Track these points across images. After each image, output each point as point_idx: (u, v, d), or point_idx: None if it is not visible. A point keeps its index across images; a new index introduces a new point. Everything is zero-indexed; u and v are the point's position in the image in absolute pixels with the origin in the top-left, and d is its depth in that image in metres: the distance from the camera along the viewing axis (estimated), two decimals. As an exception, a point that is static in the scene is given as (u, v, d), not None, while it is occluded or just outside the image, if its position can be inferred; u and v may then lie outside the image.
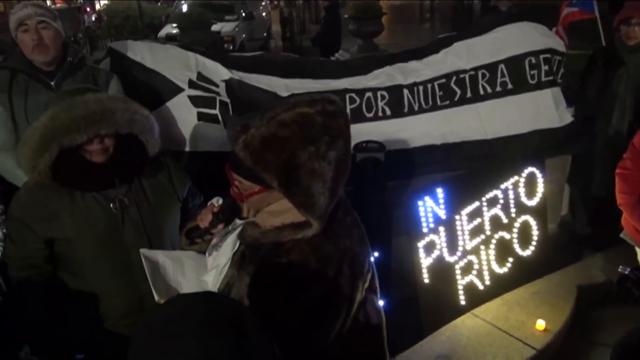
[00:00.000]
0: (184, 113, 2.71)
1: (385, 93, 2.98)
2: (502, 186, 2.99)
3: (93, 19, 18.39)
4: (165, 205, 1.94)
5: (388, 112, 2.98)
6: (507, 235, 3.06)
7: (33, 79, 2.34)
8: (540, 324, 2.87)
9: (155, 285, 1.38)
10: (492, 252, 3.02)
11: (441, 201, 2.79)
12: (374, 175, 2.71)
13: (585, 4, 3.92)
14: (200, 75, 2.83)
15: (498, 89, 3.08)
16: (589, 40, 3.80)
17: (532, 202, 3.09)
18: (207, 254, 1.47)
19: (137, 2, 14.63)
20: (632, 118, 3.21)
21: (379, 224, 2.63)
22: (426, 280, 2.83)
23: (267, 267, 1.28)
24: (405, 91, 3.00)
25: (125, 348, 1.76)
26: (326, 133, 1.24)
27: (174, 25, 10.17)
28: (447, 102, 3.03)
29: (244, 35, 12.83)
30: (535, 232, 3.14)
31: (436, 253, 2.83)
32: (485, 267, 3.02)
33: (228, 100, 2.80)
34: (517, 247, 3.11)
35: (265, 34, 15.11)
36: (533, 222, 3.12)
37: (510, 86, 3.07)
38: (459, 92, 3.04)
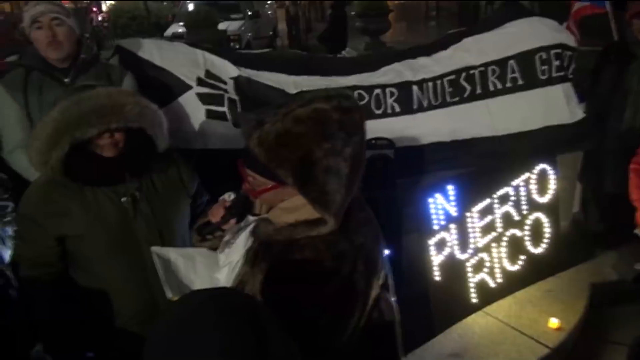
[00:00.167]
0: (192, 110, 2.70)
1: (394, 90, 2.96)
2: (514, 183, 2.96)
3: (100, 18, 18.46)
4: (175, 200, 1.93)
5: (397, 109, 2.96)
6: (518, 233, 3.03)
7: (47, 76, 2.33)
8: (554, 322, 2.84)
9: (167, 282, 1.37)
10: (503, 249, 2.99)
11: (452, 198, 2.76)
12: (383, 173, 2.68)
13: (596, -1, 3.87)
14: (208, 73, 2.81)
15: (508, 85, 3.04)
16: (601, 35, 3.75)
17: (544, 199, 3.06)
18: (219, 250, 1.45)
19: (144, 2, 14.65)
20: (644, 113, 3.18)
21: (389, 222, 2.60)
22: (437, 278, 2.81)
23: (280, 264, 1.26)
24: (415, 88, 2.98)
25: (137, 346, 1.75)
26: (342, 129, 1.22)
27: (181, 24, 10.18)
28: (457, 99, 3.00)
29: (250, 34, 12.83)
30: (547, 230, 3.10)
31: (447, 250, 2.80)
32: (496, 265, 2.99)
33: (236, 98, 2.79)
34: (528, 244, 3.08)
35: (271, 33, 15.11)
36: (545, 220, 3.08)
37: (520, 82, 3.04)
38: (468, 88, 3.01)
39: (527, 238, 3.08)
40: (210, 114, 2.73)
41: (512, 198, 2.97)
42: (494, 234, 2.95)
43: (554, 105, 3.05)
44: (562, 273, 3.27)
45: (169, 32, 11.97)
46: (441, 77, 2.99)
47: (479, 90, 3.02)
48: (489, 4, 12.83)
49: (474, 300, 2.95)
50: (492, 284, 2.99)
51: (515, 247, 3.05)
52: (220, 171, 2.16)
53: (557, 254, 3.19)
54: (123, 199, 1.79)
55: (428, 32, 14.85)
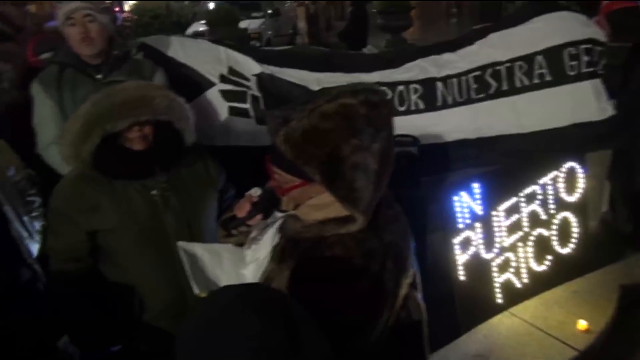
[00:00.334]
0: (215, 107, 2.71)
1: (418, 86, 2.93)
2: (541, 181, 2.89)
3: (122, 17, 18.70)
4: (203, 194, 1.94)
5: (421, 106, 2.92)
6: (545, 232, 2.96)
7: (80, 73, 2.37)
8: (582, 324, 2.77)
9: (194, 278, 1.36)
10: (530, 249, 2.93)
11: (477, 196, 2.71)
12: (407, 170, 2.65)
13: (627, -8, 3.75)
14: (231, 70, 2.82)
15: (535, 81, 2.97)
16: (631, 30, 3.64)
17: (572, 198, 2.99)
18: (245, 247, 1.44)
19: (165, 1, 14.83)
20: (676, 111, 3.07)
21: (413, 219, 2.57)
22: (462, 278, 2.76)
23: (309, 262, 1.24)
24: (439, 84, 2.94)
25: (165, 340, 1.76)
26: (370, 124, 1.19)
27: (202, 22, 10.26)
28: (482, 95, 2.95)
29: (270, 32, 12.89)
30: (574, 229, 3.03)
31: (472, 250, 2.75)
32: (523, 265, 2.93)
33: (259, 95, 2.79)
34: (556, 244, 3.01)
35: (291, 31, 15.15)
36: (573, 219, 3.01)
37: (548, 78, 2.96)
38: (494, 84, 2.95)
39: (554, 238, 3.01)
40: (232, 111, 2.74)
41: (539, 197, 2.90)
42: (520, 233, 2.89)
43: (582, 102, 2.97)
44: (590, 274, 3.19)
45: (190, 30, 12.09)
46: (466, 73, 2.94)
47: (505, 87, 2.96)
48: (509, 1, 12.62)
49: (500, 301, 2.90)
50: (518, 284, 2.94)
51: (542, 247, 2.98)
52: (242, 168, 2.16)
53: (585, 255, 3.11)
54: (152, 192, 1.81)
55: (449, 30, 14.69)
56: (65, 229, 1.80)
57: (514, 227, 2.86)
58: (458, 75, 2.93)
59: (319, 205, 1.27)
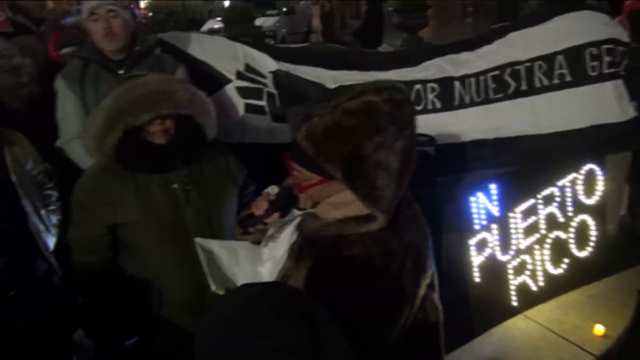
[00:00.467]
0: (231, 104, 2.71)
1: (435, 85, 2.90)
2: (559, 183, 2.85)
3: (137, 14, 18.82)
4: (224, 189, 1.94)
5: (438, 105, 2.89)
6: (563, 235, 2.92)
7: (103, 68, 2.39)
8: (599, 329, 2.73)
9: (211, 274, 1.36)
10: (546, 252, 2.89)
11: (494, 197, 2.68)
12: (423, 170, 2.62)
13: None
14: (247, 67, 2.82)
15: (555, 81, 2.93)
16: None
17: (591, 201, 2.94)
18: (262, 244, 1.43)
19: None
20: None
21: (428, 220, 2.55)
22: (477, 279, 2.73)
23: (327, 261, 1.23)
24: (456, 83, 2.90)
25: (182, 335, 1.76)
26: (393, 123, 1.18)
27: (218, 19, 10.30)
28: (501, 95, 2.91)
29: (284, 30, 12.90)
30: (593, 233, 2.99)
31: (488, 251, 2.73)
32: (539, 268, 2.89)
33: (275, 92, 2.79)
34: (573, 247, 2.97)
35: (305, 29, 15.16)
36: (591, 222, 2.97)
37: (568, 78, 2.92)
38: (513, 84, 2.91)
39: (571, 241, 2.97)
40: (248, 108, 2.74)
41: (557, 199, 2.86)
42: (537, 235, 2.85)
43: (603, 103, 2.92)
44: (607, 278, 3.14)
45: (205, 28, 12.13)
46: (484, 72, 2.91)
47: (524, 87, 2.92)
48: (524, 0, 12.48)
49: (515, 304, 2.87)
50: (533, 287, 2.90)
51: (559, 250, 2.94)
52: (258, 165, 2.16)
53: (602, 259, 3.06)
54: (173, 186, 1.81)
55: (464, 29, 14.57)
56: (86, 222, 1.82)
57: (530, 229, 2.82)
58: (476, 75, 2.90)
59: (339, 204, 1.25)
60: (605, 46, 2.91)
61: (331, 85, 2.84)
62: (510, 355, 2.67)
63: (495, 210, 2.70)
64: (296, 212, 1.35)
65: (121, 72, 2.39)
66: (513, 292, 2.85)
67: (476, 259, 2.71)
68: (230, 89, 2.72)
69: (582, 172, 2.89)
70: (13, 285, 1.96)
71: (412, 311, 1.27)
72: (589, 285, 3.08)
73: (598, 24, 2.96)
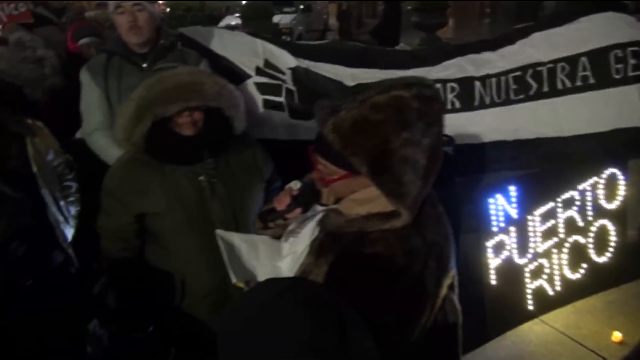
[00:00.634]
0: (250, 100, 2.70)
1: (455, 85, 2.87)
2: (580, 187, 2.80)
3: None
4: (250, 183, 1.94)
5: (457, 105, 2.86)
6: (582, 240, 2.87)
7: (127, 61, 2.40)
8: (617, 336, 2.69)
9: (231, 267, 1.36)
10: (564, 256, 2.85)
11: (513, 200, 2.65)
12: (442, 170, 2.60)
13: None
14: (267, 63, 2.81)
15: (578, 83, 2.88)
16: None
17: (612, 206, 2.89)
18: (282, 239, 1.42)
19: (199, -5, 14.99)
20: None
21: (446, 220, 2.54)
22: (493, 282, 2.70)
23: (349, 257, 1.21)
24: (477, 83, 2.87)
25: (202, 326, 1.76)
26: (421, 119, 1.16)
27: (237, 15, 10.33)
28: (522, 96, 2.87)
29: (301, 27, 12.91)
30: (612, 238, 2.94)
31: (505, 254, 2.69)
32: (556, 272, 2.85)
33: (294, 88, 2.78)
34: (592, 252, 2.92)
35: (322, 27, 15.15)
36: (611, 227, 2.92)
37: (592, 81, 2.87)
38: (534, 86, 2.87)
39: (590, 246, 2.92)
40: (267, 104, 2.73)
41: (577, 203, 2.82)
42: (555, 239, 2.81)
43: (627, 107, 2.87)
44: (626, 285, 3.09)
45: (222, 24, 12.19)
46: (506, 73, 2.87)
47: (545, 88, 2.88)
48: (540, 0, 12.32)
49: (531, 307, 2.83)
50: (550, 292, 2.86)
51: (577, 255, 2.90)
52: (276, 161, 2.16)
53: (621, 264, 3.01)
54: (200, 178, 1.82)
55: (482, 30, 14.44)
56: (115, 210, 1.86)
57: (549, 233, 2.78)
58: (497, 75, 2.87)
59: (363, 200, 1.24)
60: (630, 48, 2.86)
61: (350, 82, 2.82)
62: (526, 360, 2.64)
63: (514, 213, 2.66)
64: (319, 208, 1.34)
65: (145, 65, 2.40)
66: (529, 296, 2.81)
67: (493, 262, 2.68)
68: (250, 85, 2.71)
69: (604, 176, 2.84)
70: (31, 275, 1.98)
71: (434, 312, 1.26)
72: (607, 291, 3.03)
73: (623, 26, 2.91)
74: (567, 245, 2.85)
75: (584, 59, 2.86)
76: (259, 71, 2.77)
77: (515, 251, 2.71)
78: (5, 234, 1.86)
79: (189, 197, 1.81)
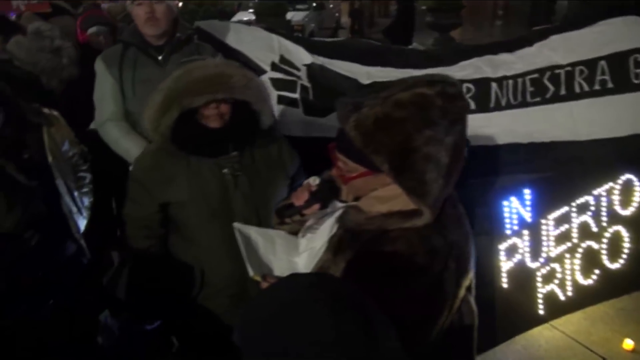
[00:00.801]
0: (265, 95, 2.69)
1: (471, 86, 2.84)
2: (595, 192, 2.77)
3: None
4: (274, 179, 1.93)
5: (472, 106, 2.84)
6: (595, 245, 2.84)
7: (142, 53, 2.40)
8: (629, 344, 2.66)
9: (248, 260, 1.35)
10: (577, 261, 2.82)
11: (528, 203, 2.62)
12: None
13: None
14: (282, 58, 2.80)
15: (596, 87, 2.85)
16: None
17: (627, 212, 2.85)
18: (299, 235, 1.41)
19: (211, -10, 14.99)
20: None
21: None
22: (504, 285, 2.68)
23: (368, 255, 1.20)
24: (494, 85, 2.84)
25: (216, 318, 1.76)
26: (445, 117, 1.15)
27: (251, 10, 10.34)
28: (538, 99, 2.84)
29: (313, 25, 12.89)
30: (626, 245, 2.90)
31: (518, 257, 2.67)
32: (568, 277, 2.82)
33: (309, 85, 2.77)
34: (605, 258, 2.88)
35: (334, 25, 15.13)
36: (625, 234, 2.88)
37: (610, 85, 2.83)
38: (552, 88, 2.84)
39: (603, 252, 2.88)
40: (281, 100, 2.72)
41: (592, 208, 2.78)
42: (568, 244, 2.78)
43: (646, 112, 2.84)
44: (637, 292, 3.05)
45: (235, 19, 12.18)
46: (523, 75, 2.84)
47: (563, 92, 2.84)
48: (552, 1, 12.23)
49: (541, 312, 2.80)
50: (561, 297, 2.83)
51: (590, 260, 2.86)
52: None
53: (634, 271, 2.97)
54: (224, 171, 1.82)
55: (493, 32, 14.36)
56: (141, 198, 1.87)
57: (562, 238, 2.75)
58: (514, 77, 2.84)
59: (385, 197, 1.23)
60: (650, 53, 2.82)
61: (365, 81, 2.81)
62: (535, 365, 2.62)
63: (528, 216, 2.64)
64: (338, 204, 1.33)
65: (160, 58, 2.40)
66: (540, 300, 2.78)
67: (505, 265, 2.66)
68: (265, 80, 2.70)
69: (619, 182, 2.81)
70: (44, 265, 1.99)
71: (452, 312, 1.25)
72: (619, 298, 2.99)
73: (645, 30, 2.87)
74: (580, 250, 2.81)
75: (602, 62, 2.83)
76: (274, 67, 2.76)
77: (527, 255, 2.69)
78: (19, 223, 1.87)
79: (212, 189, 1.81)
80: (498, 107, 2.84)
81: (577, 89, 2.85)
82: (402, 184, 1.17)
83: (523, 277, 2.72)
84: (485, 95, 2.82)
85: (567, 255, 2.80)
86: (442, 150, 1.15)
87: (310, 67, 2.79)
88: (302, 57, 2.81)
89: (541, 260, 2.73)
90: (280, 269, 1.36)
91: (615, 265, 2.92)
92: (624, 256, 2.92)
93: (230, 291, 1.87)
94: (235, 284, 1.85)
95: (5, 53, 2.63)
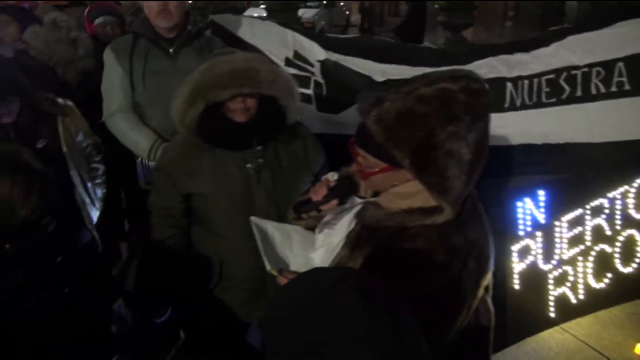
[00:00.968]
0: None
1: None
2: (610, 195, 2.74)
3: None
4: (297, 175, 1.92)
5: (487, 106, 2.82)
6: (608, 249, 2.81)
7: (153, 45, 2.39)
8: (641, 349, 2.63)
9: (265, 254, 1.34)
10: (590, 264, 2.79)
11: (542, 204, 2.60)
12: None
13: None
14: (296, 54, 2.79)
15: (613, 89, 2.81)
16: None
17: (641, 216, 2.82)
18: (317, 230, 1.40)
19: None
20: None
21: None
22: (516, 286, 2.65)
23: (387, 252, 1.19)
24: (509, 85, 2.82)
25: (234, 311, 1.74)
26: (468, 112, 1.13)
27: (262, 7, 10.33)
28: (553, 100, 2.81)
29: (323, 22, 12.87)
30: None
31: (530, 259, 2.64)
32: (580, 280, 2.79)
33: (323, 81, 2.75)
34: (618, 262, 2.86)
35: (344, 22, 15.11)
36: (639, 238, 2.85)
37: (627, 87, 2.80)
38: (567, 89, 2.81)
39: (617, 255, 2.85)
40: (295, 96, 2.71)
41: (606, 211, 2.75)
42: (581, 247, 2.75)
43: (663, 115, 2.80)
44: (651, 297, 3.03)
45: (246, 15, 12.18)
46: (539, 75, 2.81)
47: (579, 93, 2.81)
48: (562, 1, 12.11)
49: (552, 315, 2.78)
50: (573, 300, 2.80)
51: (603, 264, 2.84)
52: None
53: (647, 276, 2.95)
54: (248, 165, 1.81)
55: (503, 33, 14.24)
56: (165, 188, 1.88)
57: (575, 240, 2.73)
58: (530, 77, 2.81)
59: (405, 194, 1.21)
60: (669, 56, 2.78)
61: (379, 78, 2.79)
62: (545, 367, 2.59)
63: (542, 218, 2.61)
64: (357, 200, 1.32)
65: (171, 50, 2.39)
66: (552, 303, 2.76)
67: (517, 266, 2.63)
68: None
69: (635, 185, 2.78)
70: (62, 251, 1.99)
71: (470, 312, 1.23)
72: (631, 303, 2.96)
73: (662, 32, 2.83)
74: (593, 253, 2.79)
75: (620, 64, 2.79)
76: (288, 62, 2.75)
77: (540, 257, 2.66)
78: (36, 210, 1.87)
79: (235, 183, 1.81)
80: (513, 107, 2.82)
81: (594, 91, 2.81)
82: (423, 180, 1.15)
83: (535, 279, 2.70)
84: (500, 95, 2.79)
85: (580, 258, 2.77)
86: (464, 147, 1.13)
87: (324, 64, 2.77)
88: (316, 53, 2.80)
89: (554, 262, 2.71)
90: (297, 264, 1.35)
91: (628, 269, 2.89)
92: (637, 260, 2.89)
93: (249, 285, 1.87)
94: (254, 279, 1.85)
95: (22, 43, 2.64)
